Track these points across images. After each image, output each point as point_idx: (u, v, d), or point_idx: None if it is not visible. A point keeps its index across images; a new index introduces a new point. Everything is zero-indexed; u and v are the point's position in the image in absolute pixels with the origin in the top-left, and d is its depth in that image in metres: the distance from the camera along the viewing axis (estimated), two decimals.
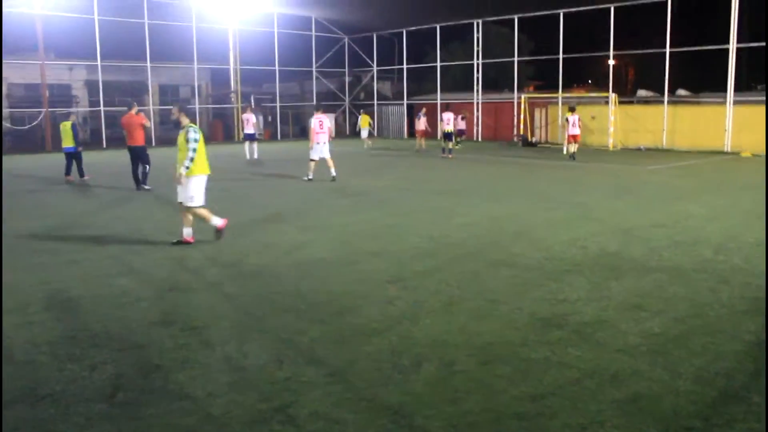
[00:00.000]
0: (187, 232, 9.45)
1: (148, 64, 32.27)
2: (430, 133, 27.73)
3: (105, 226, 11.16)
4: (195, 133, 9.19)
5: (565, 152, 24.48)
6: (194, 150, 9.14)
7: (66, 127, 17.34)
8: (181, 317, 6.21)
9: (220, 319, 6.16)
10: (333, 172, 17.26)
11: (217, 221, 9.62)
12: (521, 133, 31.80)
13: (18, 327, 5.96)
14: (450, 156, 24.54)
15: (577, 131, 23.86)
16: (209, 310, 6.44)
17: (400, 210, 12.59)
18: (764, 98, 25.29)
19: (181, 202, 9.42)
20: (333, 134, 18.27)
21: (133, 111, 15.98)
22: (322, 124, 17.31)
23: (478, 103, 35.57)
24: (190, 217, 9.47)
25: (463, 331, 5.79)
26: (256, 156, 23.96)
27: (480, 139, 35.14)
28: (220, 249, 9.20)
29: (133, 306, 6.61)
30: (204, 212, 9.49)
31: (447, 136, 25.01)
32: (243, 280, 7.57)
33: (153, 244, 9.40)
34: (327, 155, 17.27)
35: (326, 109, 39.17)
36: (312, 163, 17.28)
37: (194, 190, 9.28)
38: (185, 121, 9.37)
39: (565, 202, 13.35)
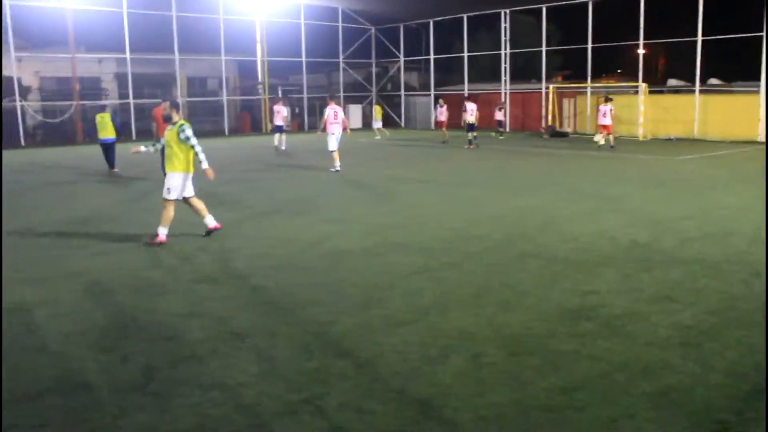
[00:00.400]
0: (209, 220, 9.49)
1: (176, 56, 32.47)
2: (447, 124, 27.53)
3: (134, 217, 11.29)
4: (189, 130, 9.15)
5: (595, 139, 24.11)
6: (198, 144, 9.18)
7: (105, 118, 17.46)
8: (209, 309, 6.27)
9: (248, 311, 6.21)
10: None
11: (162, 233, 9.05)
12: (549, 123, 31.41)
13: (49, 318, 6.07)
14: (471, 146, 24.38)
15: (607, 121, 23.28)
16: (237, 302, 6.50)
17: (425, 201, 12.56)
18: None
19: (184, 198, 9.34)
20: (348, 125, 18.15)
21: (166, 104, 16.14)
22: (336, 115, 17.31)
23: (505, 94, 35.29)
24: (202, 206, 9.48)
25: (491, 322, 5.77)
26: (284, 147, 24.18)
27: (507, 129, 34.89)
28: (246, 241, 9.27)
29: (162, 298, 6.69)
30: (168, 213, 9.10)
31: (470, 126, 24.79)
32: (270, 272, 7.61)
33: (180, 236, 9.45)
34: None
35: (354, 101, 39.33)
36: (334, 154, 17.32)
37: (173, 184, 9.19)
38: (176, 117, 9.33)
39: (593, 193, 13.22)
